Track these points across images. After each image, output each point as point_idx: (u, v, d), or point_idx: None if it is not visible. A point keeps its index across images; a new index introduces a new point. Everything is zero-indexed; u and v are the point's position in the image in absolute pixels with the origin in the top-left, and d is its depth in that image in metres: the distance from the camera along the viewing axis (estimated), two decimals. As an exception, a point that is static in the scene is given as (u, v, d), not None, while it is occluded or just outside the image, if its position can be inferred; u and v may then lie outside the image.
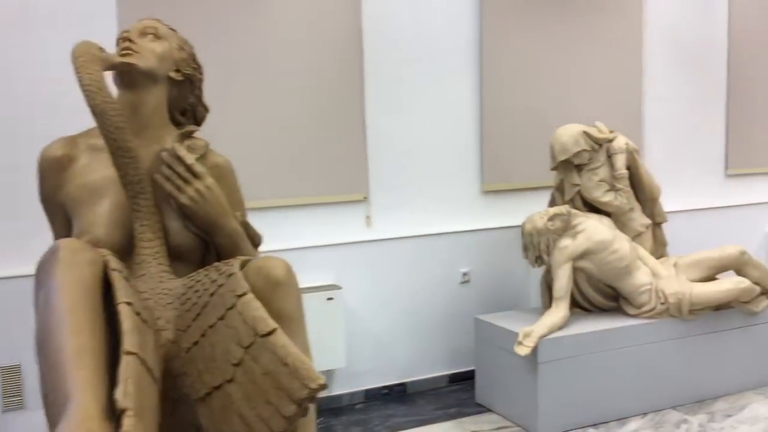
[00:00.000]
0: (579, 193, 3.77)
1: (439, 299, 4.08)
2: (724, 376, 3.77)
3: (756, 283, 3.79)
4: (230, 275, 1.76)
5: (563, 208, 3.58)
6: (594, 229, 3.59)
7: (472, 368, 3.91)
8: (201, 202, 2.03)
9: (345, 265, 3.85)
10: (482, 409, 3.73)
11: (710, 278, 3.77)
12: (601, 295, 3.74)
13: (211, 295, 1.76)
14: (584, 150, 3.66)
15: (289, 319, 1.76)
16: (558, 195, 3.86)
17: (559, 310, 3.50)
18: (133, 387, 1.37)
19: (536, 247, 3.61)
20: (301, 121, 3.72)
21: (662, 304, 3.59)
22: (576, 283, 3.68)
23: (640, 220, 3.85)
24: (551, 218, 3.56)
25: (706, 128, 4.87)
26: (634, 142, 4.48)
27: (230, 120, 3.54)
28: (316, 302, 3.57)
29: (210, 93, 2.29)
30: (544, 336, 3.36)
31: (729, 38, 4.85)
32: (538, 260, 3.65)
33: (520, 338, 3.33)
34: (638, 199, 3.95)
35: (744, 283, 3.64)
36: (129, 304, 1.56)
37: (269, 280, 1.78)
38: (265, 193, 3.66)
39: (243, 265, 1.84)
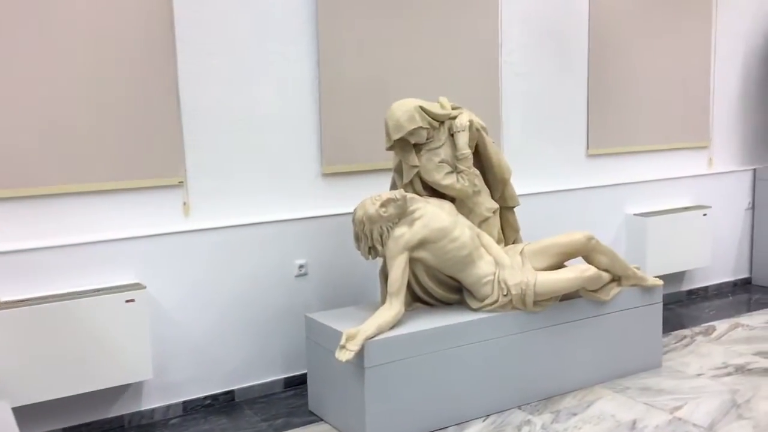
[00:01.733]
0: (419, 175, 3.41)
1: (271, 296, 3.65)
2: (573, 370, 3.54)
3: (605, 270, 3.57)
4: None
5: (397, 193, 3.21)
6: (432, 215, 3.25)
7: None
8: None
9: (156, 260, 3.35)
10: (314, 418, 3.35)
11: (558, 265, 3.51)
12: (444, 288, 3.41)
13: None
14: (421, 127, 3.30)
15: None
16: (397, 177, 3.50)
17: (392, 306, 3.14)
18: None
19: (368, 236, 3.23)
20: (96, 92, 3.16)
21: (505, 295, 3.29)
22: (415, 275, 3.33)
23: (486, 204, 3.54)
24: (384, 204, 3.19)
25: (568, 106, 4.63)
26: (492, 119, 4.20)
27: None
28: (112, 306, 3.06)
29: None
30: (372, 337, 2.99)
31: (590, 16, 4.62)
32: (372, 251, 3.28)
33: (342, 341, 2.94)
34: (487, 181, 3.65)
35: (590, 271, 3.40)
36: None
37: None
38: (52, 178, 3.10)
39: None
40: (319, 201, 3.77)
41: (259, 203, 3.62)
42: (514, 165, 4.36)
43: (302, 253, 3.72)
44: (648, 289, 3.73)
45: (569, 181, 4.67)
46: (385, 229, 3.21)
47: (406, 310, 3.33)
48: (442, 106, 3.44)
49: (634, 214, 4.88)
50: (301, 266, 3.72)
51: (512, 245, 3.56)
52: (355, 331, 2.97)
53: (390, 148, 3.38)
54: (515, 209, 3.77)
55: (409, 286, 3.35)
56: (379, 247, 3.23)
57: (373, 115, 3.79)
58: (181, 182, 3.41)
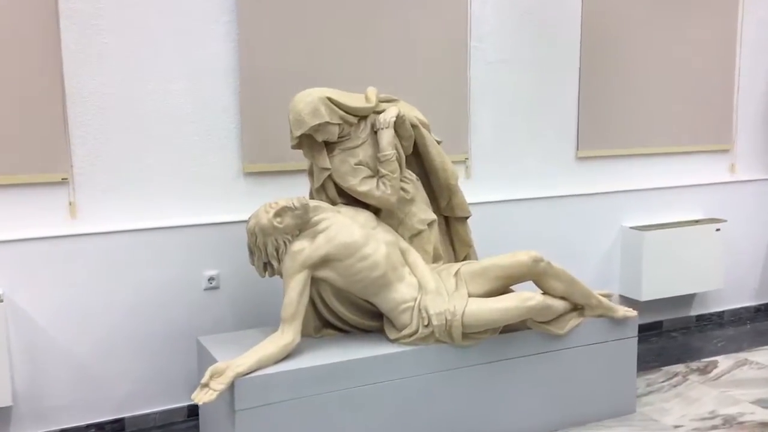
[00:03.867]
0: (333, 179, 2.88)
1: (172, 311, 3.18)
2: (515, 416, 2.95)
3: (562, 298, 2.97)
4: None
5: (295, 200, 2.69)
6: (340, 228, 2.72)
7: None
8: None
9: (30, 268, 2.92)
10: (201, 458, 2.89)
11: (502, 291, 2.92)
12: (358, 313, 2.88)
13: None
14: (329, 123, 2.76)
15: None
16: (311, 181, 2.98)
17: (283, 335, 2.63)
18: None
19: (262, 250, 2.73)
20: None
21: (426, 326, 2.74)
22: (321, 298, 2.81)
23: (420, 215, 2.99)
24: (279, 213, 2.68)
25: (554, 100, 4.00)
26: (458, 115, 3.65)
27: None
28: (-42, 321, 2.66)
29: None
30: (245, 373, 2.48)
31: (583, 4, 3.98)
32: (268, 267, 2.77)
33: (205, 378, 2.45)
34: (430, 187, 3.10)
35: (533, 300, 2.79)
36: None
37: None
38: None
39: None
40: (238, 204, 3.28)
41: (164, 205, 3.16)
42: (483, 168, 3.83)
43: (214, 263, 3.25)
44: (619, 322, 3.11)
45: (554, 188, 4.05)
46: (281, 242, 2.70)
47: (314, 336, 2.84)
48: (367, 99, 2.89)
49: (630, 227, 4.22)
50: (211, 279, 3.24)
51: (447, 265, 2.99)
52: (225, 365, 2.47)
53: (296, 147, 2.85)
54: (468, 221, 3.21)
55: (316, 309, 2.84)
56: (275, 264, 2.73)
57: (303, 106, 3.25)
58: (66, 179, 2.97)
